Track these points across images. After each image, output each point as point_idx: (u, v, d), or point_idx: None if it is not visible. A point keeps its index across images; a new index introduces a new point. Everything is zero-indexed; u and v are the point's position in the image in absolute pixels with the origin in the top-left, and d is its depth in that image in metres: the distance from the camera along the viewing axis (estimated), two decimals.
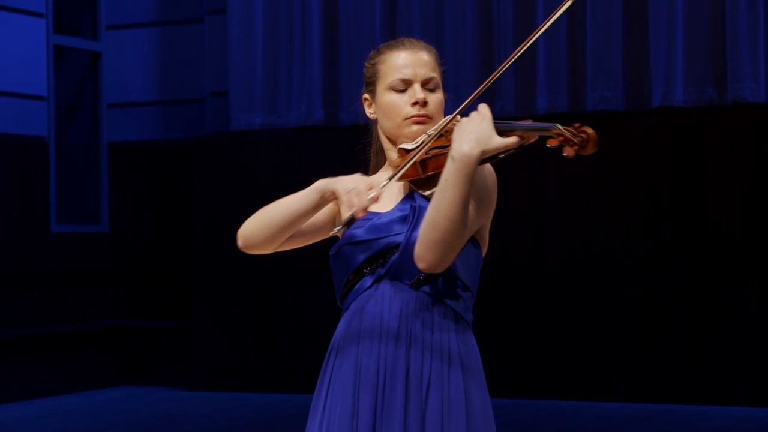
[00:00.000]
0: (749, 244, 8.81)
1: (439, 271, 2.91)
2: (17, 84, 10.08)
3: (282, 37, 10.27)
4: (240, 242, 3.12)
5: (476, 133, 2.87)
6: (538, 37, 9.15)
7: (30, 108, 10.21)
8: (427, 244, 2.87)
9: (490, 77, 3.01)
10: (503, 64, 3.02)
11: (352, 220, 2.91)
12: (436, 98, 3.08)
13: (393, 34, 9.97)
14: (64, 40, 10.71)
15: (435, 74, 3.09)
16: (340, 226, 2.92)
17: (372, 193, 2.89)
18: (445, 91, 3.14)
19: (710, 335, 8.84)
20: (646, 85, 9.36)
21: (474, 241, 3.02)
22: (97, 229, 10.83)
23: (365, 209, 2.89)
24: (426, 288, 2.96)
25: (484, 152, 2.86)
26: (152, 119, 11.01)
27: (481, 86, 3.01)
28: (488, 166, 2.99)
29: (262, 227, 3.07)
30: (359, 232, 3.01)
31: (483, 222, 3.01)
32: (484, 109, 2.93)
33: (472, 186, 2.86)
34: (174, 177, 10.76)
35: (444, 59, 3.18)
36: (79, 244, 10.60)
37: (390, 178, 2.96)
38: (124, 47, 11.03)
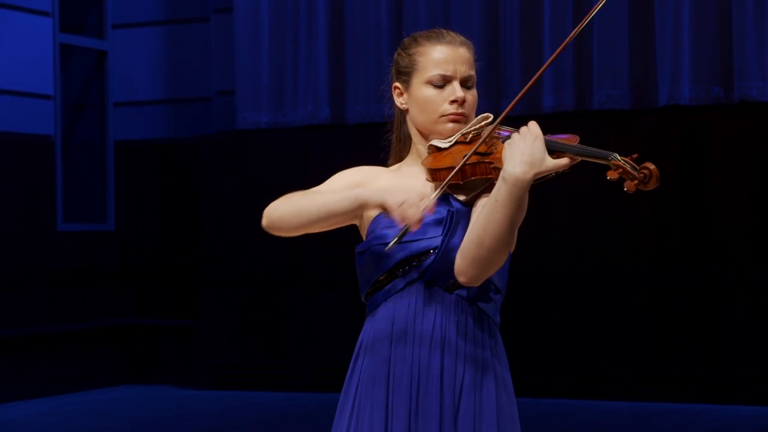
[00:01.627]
0: (755, 243, 8.80)
1: (478, 284, 2.89)
2: (24, 83, 10.09)
3: (288, 36, 10.27)
4: (264, 222, 2.99)
5: (529, 155, 2.83)
6: (544, 36, 9.18)
7: (36, 107, 10.22)
8: (470, 260, 2.84)
9: (530, 81, 2.97)
10: (543, 67, 2.97)
11: (405, 233, 2.85)
12: (472, 96, 3.04)
13: (399, 33, 9.96)
14: (71, 38, 10.72)
15: (473, 72, 3.05)
16: (395, 240, 2.85)
17: (424, 203, 2.82)
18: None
19: (716, 334, 8.83)
20: (653, 83, 9.35)
21: None
22: (103, 227, 10.84)
23: (420, 221, 2.82)
24: (460, 291, 2.93)
25: (537, 175, 2.83)
26: (158, 118, 11.02)
27: (522, 90, 2.97)
28: None
29: (291, 217, 2.94)
30: (392, 233, 2.94)
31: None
32: (535, 126, 2.87)
33: (522, 207, 2.83)
34: (180, 176, 10.76)
35: (478, 55, 3.14)
36: (85, 242, 10.60)
37: (440, 189, 2.89)
38: (131, 46, 11.04)
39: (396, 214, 2.82)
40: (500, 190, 2.82)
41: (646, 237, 9.06)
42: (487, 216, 2.83)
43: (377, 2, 10.01)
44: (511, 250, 3.03)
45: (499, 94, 9.71)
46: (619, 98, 9.38)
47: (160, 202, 10.84)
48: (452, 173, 2.91)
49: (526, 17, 9.62)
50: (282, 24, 10.28)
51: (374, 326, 2.98)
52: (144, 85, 11.01)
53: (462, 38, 3.07)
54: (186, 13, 10.96)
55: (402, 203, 2.81)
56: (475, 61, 3.08)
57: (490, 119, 3.00)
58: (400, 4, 10.01)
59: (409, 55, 3.05)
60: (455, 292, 2.93)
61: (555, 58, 2.99)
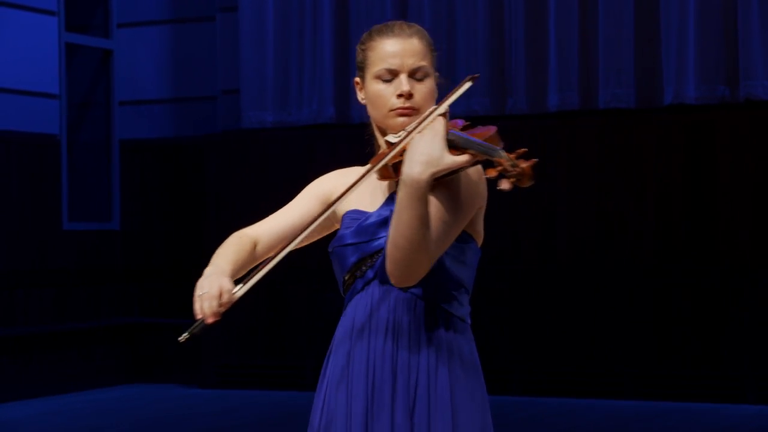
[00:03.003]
0: (761, 242, 8.78)
1: (412, 284, 2.87)
2: (29, 82, 10.10)
3: (293, 35, 10.27)
4: None
5: (426, 155, 2.78)
6: (549, 35, 9.16)
7: (42, 106, 10.23)
8: (392, 262, 2.82)
9: (400, 142, 2.90)
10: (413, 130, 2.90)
11: (200, 326, 2.87)
12: (423, 88, 2.97)
13: None
14: (76, 38, 10.72)
15: (424, 62, 2.97)
16: (186, 334, 2.89)
17: (224, 298, 2.86)
18: (440, 74, 3.03)
19: (721, 333, 8.82)
20: (658, 82, 9.34)
21: (465, 236, 2.95)
22: (109, 226, 10.85)
23: (215, 314, 2.85)
24: (414, 289, 2.92)
25: (434, 174, 2.77)
26: (164, 117, 11.02)
27: (396, 147, 2.89)
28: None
29: None
30: (347, 234, 2.98)
31: (467, 221, 2.93)
32: (438, 124, 2.82)
33: (427, 205, 2.77)
34: (185, 175, 10.77)
35: (438, 44, 3.09)
36: (91, 241, 10.61)
37: (247, 284, 2.91)
38: (136, 45, 11.04)
39: (195, 305, 2.87)
40: (401, 190, 2.80)
41: (651, 236, 9.04)
42: (396, 217, 2.80)
43: (382, 1, 10.01)
44: (479, 243, 3.00)
45: (504, 93, 9.70)
46: (625, 97, 9.37)
47: (165, 201, 10.84)
48: (364, 176, 2.91)
49: (531, 16, 9.61)
50: (287, 23, 10.28)
51: (341, 325, 3.03)
52: (149, 84, 11.01)
53: (413, 29, 3.01)
54: (191, 12, 10.96)
55: (201, 295, 2.87)
56: (432, 51, 3.01)
57: (444, 111, 2.93)
58: (405, 3, 10.00)
59: (363, 50, 3.03)
60: (409, 290, 2.92)
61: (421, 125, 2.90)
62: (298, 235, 2.96)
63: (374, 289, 2.95)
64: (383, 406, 2.90)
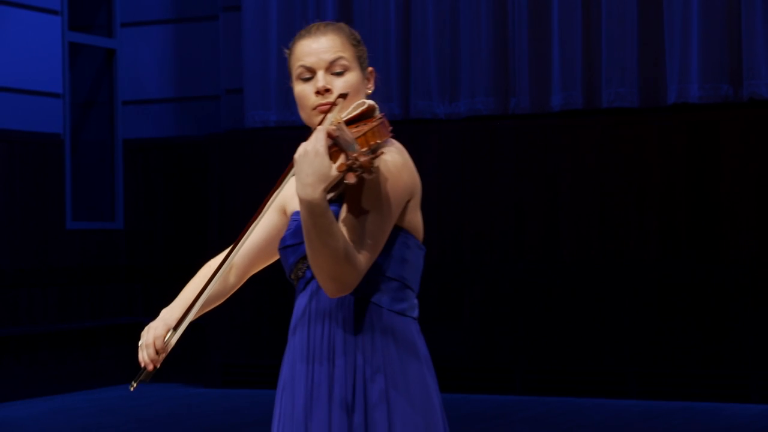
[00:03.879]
0: (764, 241, 8.79)
1: (346, 293, 2.86)
2: (33, 81, 10.10)
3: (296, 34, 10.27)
4: None
5: (312, 174, 2.76)
6: (552, 34, 9.14)
7: (45, 105, 10.23)
8: (320, 281, 2.84)
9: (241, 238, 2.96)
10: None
11: (142, 374, 3.01)
12: (342, 82, 2.97)
13: (407, 33, 9.97)
14: (80, 37, 10.73)
15: (342, 54, 2.98)
16: (133, 383, 3.05)
17: (158, 345, 3.02)
18: (372, 68, 3.03)
19: (725, 332, 8.82)
20: (661, 81, 9.35)
21: (396, 232, 2.92)
22: (112, 226, 10.85)
23: (154, 361, 3.01)
24: None
25: (326, 188, 2.77)
26: (167, 116, 11.03)
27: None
28: (382, 163, 2.84)
29: None
30: (287, 235, 3.00)
31: (394, 219, 2.89)
32: (317, 141, 2.80)
33: (330, 216, 2.76)
34: (189, 174, 10.77)
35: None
36: (95, 241, 10.62)
37: (190, 308, 3.09)
38: (139, 44, 11.05)
39: (138, 355, 3.04)
40: (301, 211, 2.80)
41: (655, 234, 9.05)
42: (306, 239, 2.81)
43: (385, 1, 10.02)
44: (420, 238, 2.98)
45: (508, 92, 9.70)
46: (628, 96, 9.38)
47: (168, 200, 10.85)
48: (280, 182, 2.91)
49: (534, 15, 9.62)
50: (290, 22, 10.28)
51: (290, 324, 3.06)
52: (153, 83, 11.02)
53: (330, 27, 3.02)
54: (195, 12, 10.97)
55: (141, 344, 3.04)
56: (355, 44, 3.02)
57: (365, 105, 2.92)
58: (408, 3, 10.00)
59: (288, 56, 3.05)
60: None
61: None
62: (220, 269, 3.03)
63: (311, 288, 2.97)
64: (321, 415, 2.91)
